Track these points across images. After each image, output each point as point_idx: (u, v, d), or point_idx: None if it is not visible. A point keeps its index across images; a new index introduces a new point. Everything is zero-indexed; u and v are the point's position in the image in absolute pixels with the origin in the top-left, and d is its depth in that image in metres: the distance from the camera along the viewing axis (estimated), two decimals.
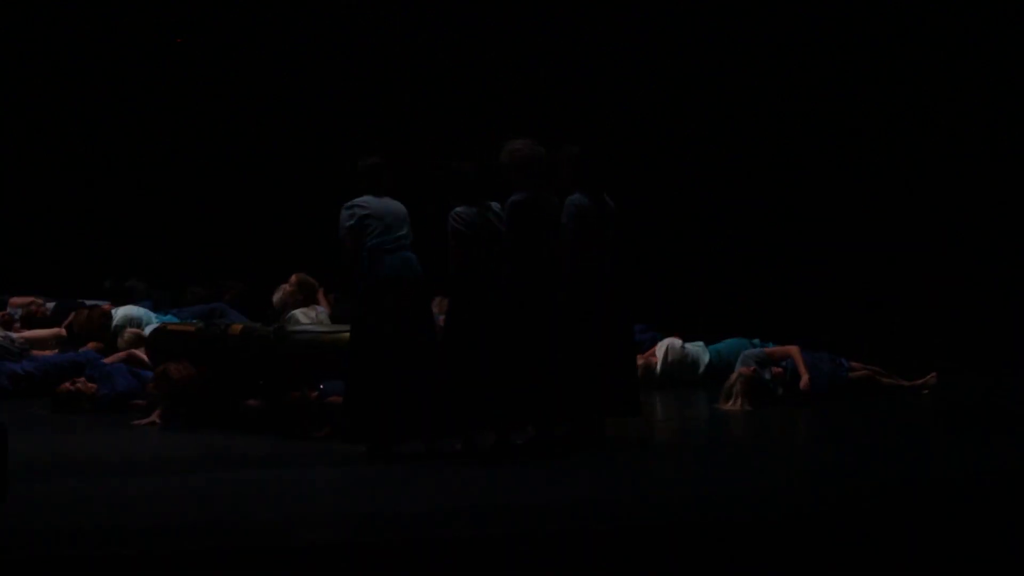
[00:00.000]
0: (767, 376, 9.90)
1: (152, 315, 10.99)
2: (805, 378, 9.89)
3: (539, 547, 5.75)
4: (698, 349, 10.97)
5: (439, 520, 6.19)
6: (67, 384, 9.75)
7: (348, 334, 8.74)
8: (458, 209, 7.76)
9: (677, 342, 10.98)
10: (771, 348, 10.26)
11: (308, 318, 9.87)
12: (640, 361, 10.08)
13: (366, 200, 7.91)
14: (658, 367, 10.80)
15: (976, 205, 12.49)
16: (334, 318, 10.05)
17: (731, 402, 9.65)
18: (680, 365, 10.89)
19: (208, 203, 13.37)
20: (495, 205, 7.86)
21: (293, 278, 10.23)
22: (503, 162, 7.88)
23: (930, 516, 6.31)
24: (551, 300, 7.80)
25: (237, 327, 9.34)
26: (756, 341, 10.69)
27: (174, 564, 5.49)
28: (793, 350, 10.11)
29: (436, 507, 6.48)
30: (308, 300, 10.06)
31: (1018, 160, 12.46)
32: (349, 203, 7.92)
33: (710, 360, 10.85)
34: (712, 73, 13.11)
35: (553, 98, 12.88)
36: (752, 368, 9.83)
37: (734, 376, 9.79)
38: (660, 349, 10.92)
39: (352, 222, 7.83)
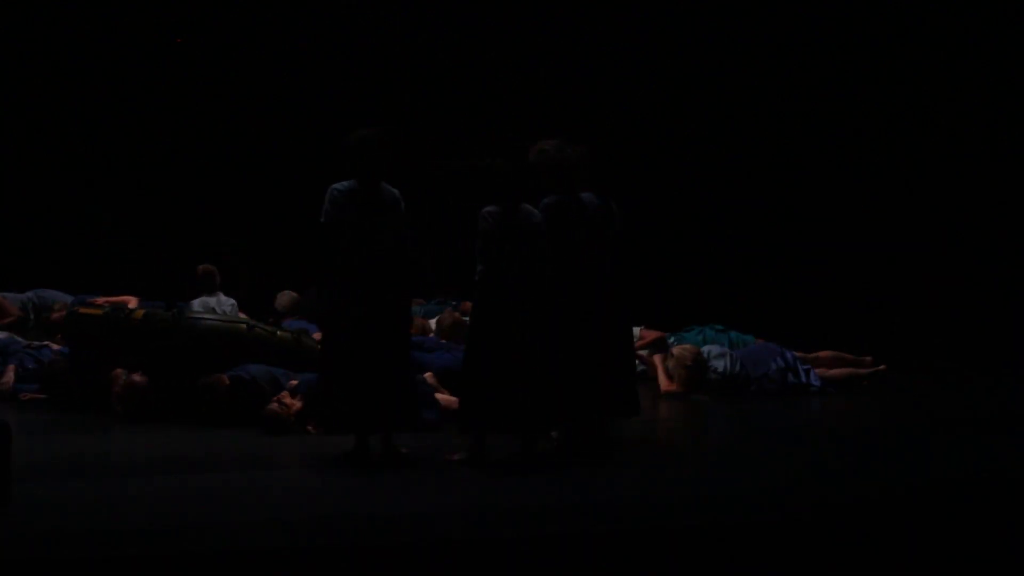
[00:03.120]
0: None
1: None
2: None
3: (539, 550, 5.75)
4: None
5: (438, 522, 6.19)
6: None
7: (243, 325, 9.13)
8: (488, 208, 7.43)
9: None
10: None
11: (205, 307, 10.45)
12: None
13: (348, 187, 7.46)
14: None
15: (976, 205, 12.52)
16: (303, 309, 10.28)
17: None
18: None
19: (208, 203, 13.38)
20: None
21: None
22: (532, 162, 7.75)
23: (930, 516, 6.32)
24: (589, 302, 7.78)
25: (140, 312, 9.37)
26: (719, 326, 10.81)
27: (175, 566, 5.50)
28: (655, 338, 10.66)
29: (435, 509, 6.48)
30: (209, 289, 10.72)
31: (1018, 160, 12.49)
32: (333, 187, 7.45)
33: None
34: (712, 73, 13.13)
35: (554, 98, 12.89)
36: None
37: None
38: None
39: (331, 210, 7.39)
